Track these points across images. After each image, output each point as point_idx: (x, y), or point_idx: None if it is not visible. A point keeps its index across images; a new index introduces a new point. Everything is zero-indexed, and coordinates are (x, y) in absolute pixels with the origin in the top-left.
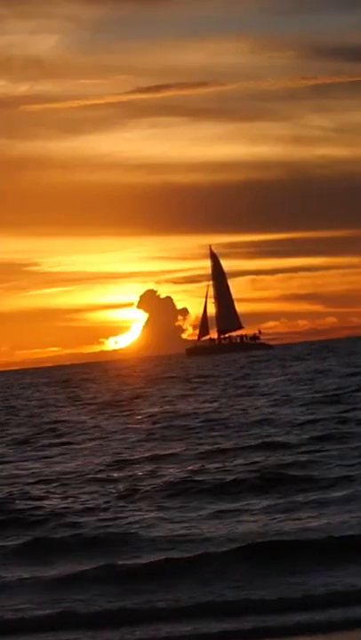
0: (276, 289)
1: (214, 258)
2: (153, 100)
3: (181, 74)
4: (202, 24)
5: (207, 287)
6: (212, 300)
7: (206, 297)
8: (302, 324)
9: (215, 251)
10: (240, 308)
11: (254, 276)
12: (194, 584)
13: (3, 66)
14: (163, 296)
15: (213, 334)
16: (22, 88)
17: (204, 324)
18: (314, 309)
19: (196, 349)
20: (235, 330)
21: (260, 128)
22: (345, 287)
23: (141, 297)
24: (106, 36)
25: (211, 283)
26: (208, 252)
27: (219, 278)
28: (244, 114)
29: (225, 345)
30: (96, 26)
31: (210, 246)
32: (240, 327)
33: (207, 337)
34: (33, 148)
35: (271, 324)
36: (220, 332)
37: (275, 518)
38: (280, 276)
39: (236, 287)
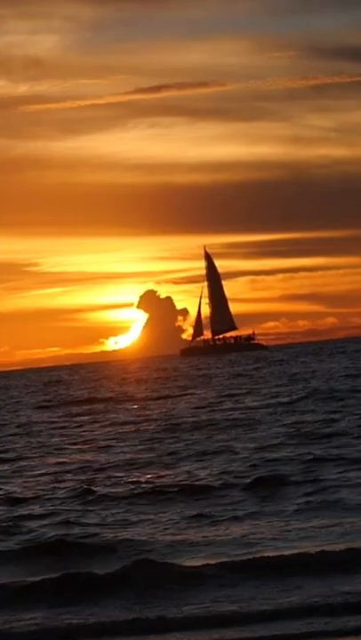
0: (276, 289)
1: (209, 259)
2: (153, 100)
3: (181, 74)
4: (202, 24)
5: (202, 288)
6: (207, 301)
7: (201, 298)
8: (302, 324)
9: (215, 251)
10: (240, 308)
11: (254, 277)
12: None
13: (3, 66)
14: (163, 296)
15: (208, 335)
16: (22, 88)
17: (198, 325)
18: (314, 309)
19: (190, 350)
20: (229, 331)
21: (260, 128)
22: (345, 287)
23: (141, 297)
24: (106, 36)
25: (205, 284)
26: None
27: (213, 279)
28: (244, 114)
29: (219, 346)
30: (96, 26)
31: (204, 247)
32: (234, 328)
33: (201, 338)
34: (33, 148)
35: (271, 324)
36: (214, 332)
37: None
38: (280, 276)
39: (236, 287)
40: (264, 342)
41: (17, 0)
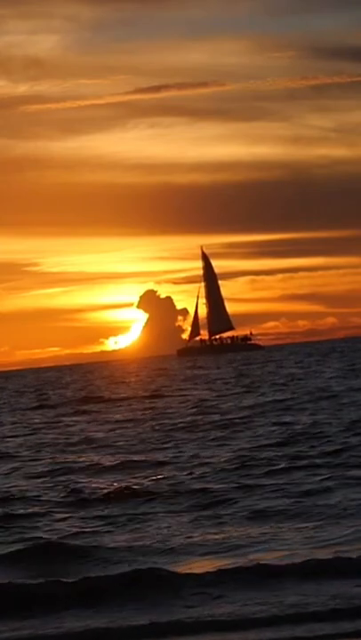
0: (275, 289)
1: (206, 259)
2: (153, 100)
3: (181, 74)
4: (202, 24)
5: (199, 288)
6: (204, 301)
7: (197, 298)
8: (302, 324)
9: (215, 251)
10: (240, 308)
11: (254, 277)
12: None
13: (3, 66)
14: (163, 296)
15: (205, 335)
16: (22, 88)
17: (194, 326)
18: (314, 309)
19: (186, 350)
20: (225, 331)
21: (260, 128)
22: (345, 287)
23: (141, 297)
24: (106, 36)
25: (202, 284)
26: (207, 252)
27: (210, 279)
28: (244, 114)
29: (216, 346)
30: (96, 26)
31: (201, 247)
32: (231, 328)
33: (198, 338)
34: (33, 148)
35: (271, 324)
36: (211, 333)
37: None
38: (280, 276)
39: (235, 287)
40: (261, 342)
41: (17, 0)
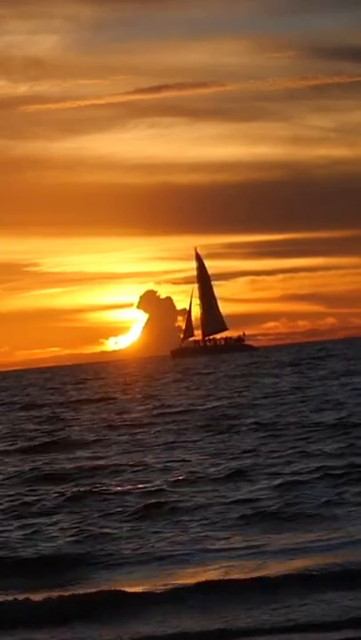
0: (276, 289)
1: (199, 260)
2: (153, 101)
3: (181, 74)
4: (202, 24)
5: (192, 289)
6: (198, 302)
7: (191, 299)
8: (302, 324)
9: (215, 251)
10: (240, 308)
11: (254, 277)
12: None
13: (3, 66)
14: (163, 296)
15: (199, 336)
16: (22, 88)
17: (188, 326)
18: (314, 310)
19: (180, 351)
20: (219, 332)
21: (260, 128)
22: (345, 287)
23: (141, 297)
24: (106, 36)
25: (196, 285)
26: (207, 252)
27: (203, 280)
28: (244, 114)
29: (209, 347)
30: (96, 26)
31: (195, 248)
32: (224, 329)
33: (192, 339)
34: (33, 148)
35: (271, 324)
36: (204, 334)
37: None
38: (280, 276)
39: (236, 287)
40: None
41: (17, 0)
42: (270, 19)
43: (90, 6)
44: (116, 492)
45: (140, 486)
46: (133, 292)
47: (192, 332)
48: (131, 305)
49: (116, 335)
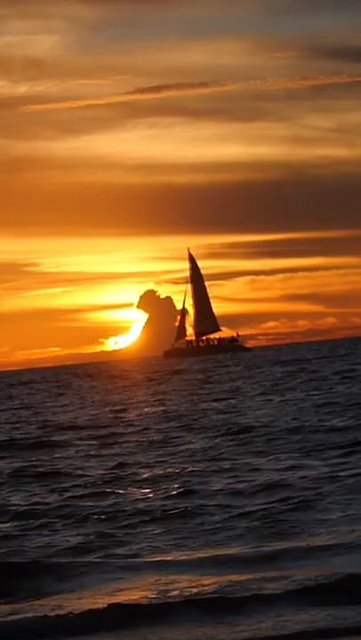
0: (275, 289)
1: (192, 260)
2: (153, 100)
3: (181, 74)
4: (202, 24)
5: (185, 290)
6: (191, 303)
7: (184, 299)
8: (302, 324)
9: (215, 251)
10: (240, 308)
11: (254, 277)
12: None
13: (3, 66)
14: (163, 296)
15: (192, 336)
16: (22, 88)
17: (181, 327)
18: (314, 309)
19: (173, 352)
20: (212, 332)
21: (260, 128)
22: (345, 287)
23: (141, 297)
24: (106, 36)
25: (188, 285)
26: (207, 252)
27: (196, 281)
28: (244, 114)
29: (202, 347)
30: (96, 26)
31: (188, 249)
32: (218, 329)
33: (185, 339)
34: (33, 148)
35: (271, 324)
36: (197, 334)
37: None
38: (280, 276)
39: (235, 287)
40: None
41: (17, 0)
42: (270, 19)
43: (90, 6)
44: None
45: None
46: (133, 291)
47: (185, 332)
48: (131, 305)
49: (116, 335)
